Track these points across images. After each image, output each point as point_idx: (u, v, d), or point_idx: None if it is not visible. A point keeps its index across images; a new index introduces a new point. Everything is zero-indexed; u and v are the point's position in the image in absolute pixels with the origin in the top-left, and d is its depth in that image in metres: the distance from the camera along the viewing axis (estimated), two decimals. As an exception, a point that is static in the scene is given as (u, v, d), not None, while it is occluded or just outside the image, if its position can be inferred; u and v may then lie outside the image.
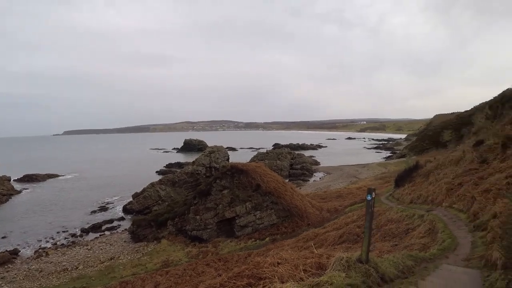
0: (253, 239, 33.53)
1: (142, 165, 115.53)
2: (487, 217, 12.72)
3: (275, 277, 6.65)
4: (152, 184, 58.42)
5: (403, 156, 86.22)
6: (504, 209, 12.05)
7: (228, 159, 68.76)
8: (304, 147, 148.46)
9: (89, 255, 35.06)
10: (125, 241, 39.65)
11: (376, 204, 27.14)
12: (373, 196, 6.35)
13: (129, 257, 33.64)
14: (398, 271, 7.24)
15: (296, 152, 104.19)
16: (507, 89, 41.04)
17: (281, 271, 6.86)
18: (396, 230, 18.10)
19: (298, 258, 7.96)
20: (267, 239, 32.47)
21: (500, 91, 43.97)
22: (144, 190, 57.21)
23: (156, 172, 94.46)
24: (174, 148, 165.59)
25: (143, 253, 34.56)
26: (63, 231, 46.22)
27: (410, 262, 8.15)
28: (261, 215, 36.27)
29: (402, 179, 30.17)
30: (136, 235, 39.63)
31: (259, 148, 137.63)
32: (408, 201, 24.17)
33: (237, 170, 39.23)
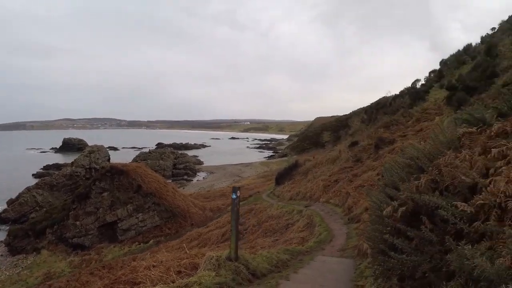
0: (137, 243, 31.91)
1: (17, 167, 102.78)
2: (360, 210, 13.34)
3: (147, 281, 6.36)
4: (28, 189, 52.12)
5: (284, 155, 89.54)
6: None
7: (109, 159, 64.74)
8: (187, 146, 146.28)
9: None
10: (1, 255, 34.75)
11: (258, 201, 27.61)
12: (238, 195, 6.32)
13: (7, 273, 29.33)
14: (271, 266, 7.17)
15: (180, 151, 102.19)
16: (382, 97, 44.75)
17: (153, 274, 6.55)
18: (277, 225, 18.49)
19: (172, 260, 7.67)
20: (151, 241, 31.22)
21: (376, 98, 47.85)
22: (20, 196, 50.93)
23: (33, 175, 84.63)
24: (52, 148, 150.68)
25: (22, 267, 30.50)
26: None
27: (285, 256, 8.13)
28: (144, 217, 34.71)
29: (282, 177, 31.00)
30: (13, 247, 34.91)
31: (142, 148, 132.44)
32: (288, 198, 24.84)
33: (117, 171, 36.96)
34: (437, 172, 3.00)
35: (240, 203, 24.83)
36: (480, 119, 3.79)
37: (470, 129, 3.52)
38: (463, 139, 3.46)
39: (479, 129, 3.51)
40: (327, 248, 10.09)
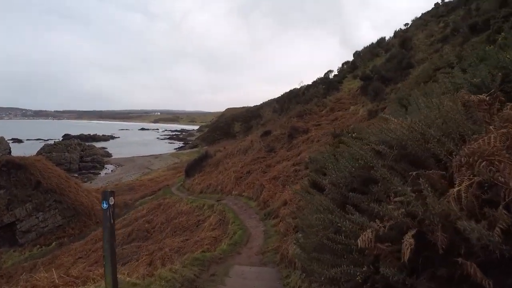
0: (38, 246, 28.51)
1: None
2: (277, 204, 12.21)
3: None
4: None
5: (195, 146, 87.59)
6: (293, 197, 11.64)
7: (10, 152, 58.29)
8: (96, 138, 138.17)
9: None
10: None
11: (167, 195, 25.96)
12: (111, 203, 4.10)
13: None
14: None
15: (87, 143, 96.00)
16: (294, 88, 44.93)
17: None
18: (187, 222, 17.15)
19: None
20: (53, 244, 28.06)
21: (288, 90, 47.87)
22: None
23: None
24: None
25: None
26: None
27: (194, 271, 6.48)
28: (45, 216, 31.03)
29: (192, 168, 29.44)
30: None
31: (48, 139, 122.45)
32: (198, 191, 23.50)
33: (14, 165, 32.74)
34: (487, 169, 1.60)
35: (149, 198, 22.82)
36: (479, 85, 2.56)
37: (481, 97, 2.23)
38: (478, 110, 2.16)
39: (490, 97, 2.25)
40: (244, 252, 8.75)
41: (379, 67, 26.31)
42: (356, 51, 40.54)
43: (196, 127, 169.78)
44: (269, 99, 69.01)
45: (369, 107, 19.86)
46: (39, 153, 68.69)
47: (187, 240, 13.84)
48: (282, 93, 47.95)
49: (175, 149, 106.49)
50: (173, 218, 18.81)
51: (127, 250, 16.84)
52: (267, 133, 26.42)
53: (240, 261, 8.05)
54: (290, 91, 45.84)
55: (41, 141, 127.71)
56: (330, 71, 40.99)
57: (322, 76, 40.83)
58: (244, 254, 8.58)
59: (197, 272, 6.46)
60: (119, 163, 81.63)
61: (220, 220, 14.37)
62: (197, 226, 15.86)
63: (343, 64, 40.40)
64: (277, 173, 16.29)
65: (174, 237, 15.53)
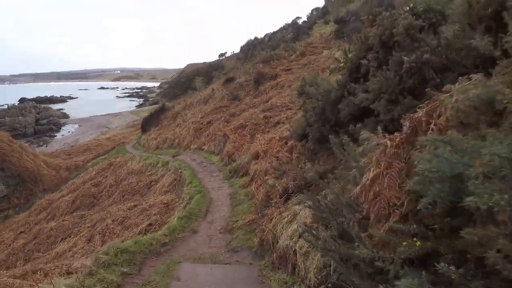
0: None
1: None
2: (246, 158, 9.53)
3: None
4: None
5: (155, 103, 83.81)
6: (268, 147, 9.02)
7: None
8: (52, 99, 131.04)
9: None
10: None
11: (120, 153, 23.11)
12: None
13: None
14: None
15: (43, 105, 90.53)
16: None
17: None
18: (137, 184, 14.67)
19: None
20: None
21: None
22: None
23: None
24: None
25: None
26: None
27: (121, 272, 3.72)
28: (-13, 187, 27.37)
29: (148, 123, 26.58)
30: None
31: (3, 105, 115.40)
32: (154, 147, 20.84)
33: (-50, 132, 28.79)
34: None
35: (101, 158, 19.90)
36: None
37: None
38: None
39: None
40: (201, 229, 6.10)
41: (356, 9, 23.76)
42: (327, -4, 37.75)
43: (157, 84, 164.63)
44: (232, 52, 65.87)
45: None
46: (-8, 118, 64.01)
47: (135, 206, 11.39)
48: (246, 41, 44.71)
49: (135, 106, 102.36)
50: (122, 180, 16.25)
51: (68, 221, 14.28)
52: (229, 80, 23.62)
53: (196, 247, 5.43)
54: (255, 38, 42.77)
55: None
56: (298, 18, 38.38)
57: (290, 22, 38.22)
58: (202, 233, 5.96)
59: (118, 278, 3.77)
60: (77, 123, 77.61)
61: (175, 180, 11.77)
62: (148, 188, 13.47)
63: (312, 10, 37.60)
64: (244, 121, 13.65)
65: (121, 203, 13.16)
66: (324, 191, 3.73)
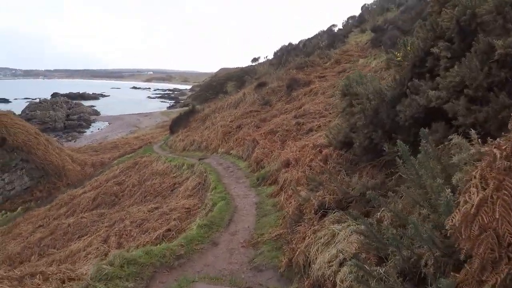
0: (3, 211, 25.34)
1: None
2: (275, 165, 8.78)
3: None
4: None
5: (186, 105, 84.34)
6: (300, 155, 8.26)
7: None
8: (84, 96, 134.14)
9: None
10: None
11: (147, 153, 22.90)
12: None
13: None
14: None
15: (75, 101, 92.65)
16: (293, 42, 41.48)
17: None
18: (160, 185, 14.19)
19: None
20: (19, 209, 24.78)
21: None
22: None
23: None
24: None
25: None
26: None
27: None
28: (11, 178, 27.74)
29: (177, 124, 26.31)
30: None
31: (35, 98, 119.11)
32: (181, 149, 20.53)
33: (-27, 121, 29.32)
34: None
35: (127, 156, 19.70)
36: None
37: None
38: None
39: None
40: (222, 241, 5.41)
41: (394, 18, 23.33)
42: (364, 4, 36.81)
43: (189, 87, 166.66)
44: (265, 57, 65.60)
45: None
46: (23, 111, 65.68)
47: (155, 209, 10.93)
48: (280, 47, 44.07)
49: (166, 107, 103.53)
50: (146, 180, 15.93)
51: (86, 219, 13.89)
52: (261, 85, 23.05)
53: (214, 262, 4.73)
54: (289, 44, 42.08)
55: (28, 100, 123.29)
56: (334, 26, 37.71)
57: (325, 29, 37.59)
58: (222, 246, 5.25)
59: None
60: (107, 121, 78.68)
61: (199, 184, 11.21)
62: (171, 190, 12.99)
63: (348, 19, 36.82)
64: (274, 127, 12.97)
65: (142, 204, 12.73)
66: (379, 213, 2.94)
